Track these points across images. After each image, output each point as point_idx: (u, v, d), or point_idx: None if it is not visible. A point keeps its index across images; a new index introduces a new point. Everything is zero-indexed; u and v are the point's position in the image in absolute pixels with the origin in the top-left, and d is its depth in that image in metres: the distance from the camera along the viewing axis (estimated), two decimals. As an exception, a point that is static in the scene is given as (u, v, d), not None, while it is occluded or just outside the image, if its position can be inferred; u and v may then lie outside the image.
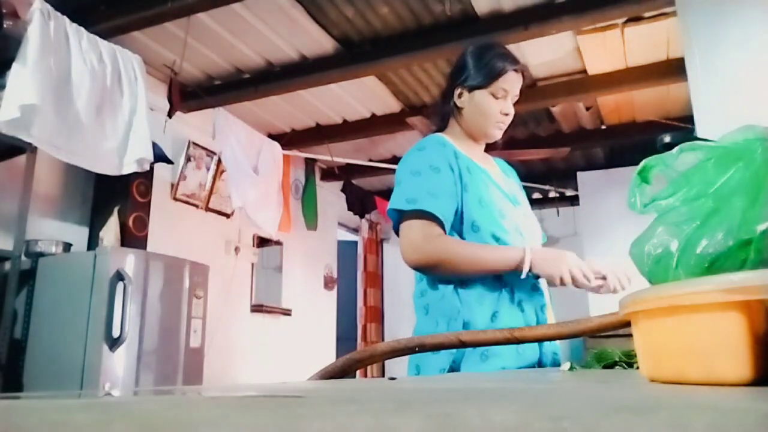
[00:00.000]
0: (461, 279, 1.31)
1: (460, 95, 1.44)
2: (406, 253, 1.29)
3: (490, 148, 1.56)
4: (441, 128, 1.50)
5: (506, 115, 1.42)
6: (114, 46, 3.03)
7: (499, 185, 1.43)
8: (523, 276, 1.24)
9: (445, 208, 1.28)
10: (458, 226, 1.34)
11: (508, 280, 1.32)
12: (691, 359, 0.39)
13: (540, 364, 1.31)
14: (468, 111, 1.43)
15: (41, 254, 3.15)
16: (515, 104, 1.45)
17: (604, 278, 1.26)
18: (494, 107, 1.40)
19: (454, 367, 1.25)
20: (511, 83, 1.40)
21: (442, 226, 1.29)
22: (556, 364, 1.36)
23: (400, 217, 1.32)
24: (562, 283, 1.23)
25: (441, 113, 1.50)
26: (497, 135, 1.45)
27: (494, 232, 1.32)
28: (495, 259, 1.26)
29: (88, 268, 2.99)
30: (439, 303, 1.32)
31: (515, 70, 1.40)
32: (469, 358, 1.25)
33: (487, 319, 1.28)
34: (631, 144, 5.01)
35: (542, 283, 1.38)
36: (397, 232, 1.36)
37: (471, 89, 1.41)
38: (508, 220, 1.36)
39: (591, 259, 1.29)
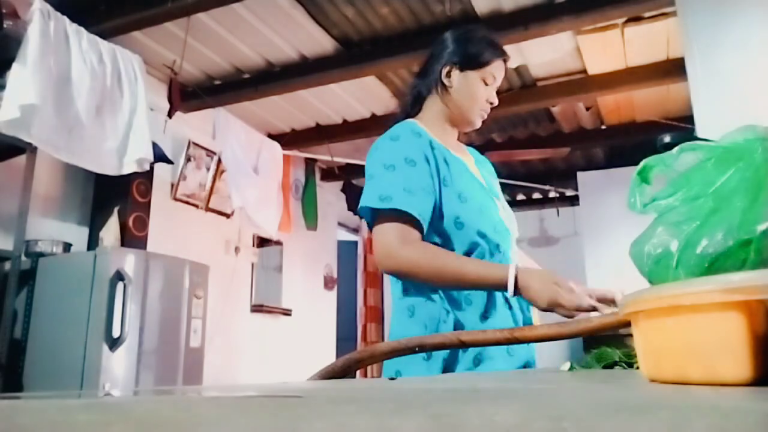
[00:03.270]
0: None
1: (448, 74, 1.35)
2: (379, 257, 1.19)
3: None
4: (411, 114, 1.40)
5: (491, 104, 1.37)
6: (114, 46, 3.03)
7: (477, 177, 1.36)
8: (509, 295, 1.16)
9: (422, 206, 1.19)
10: (438, 223, 1.24)
11: None
12: (691, 359, 0.39)
13: (527, 365, 1.28)
14: (456, 91, 1.35)
15: (41, 254, 3.15)
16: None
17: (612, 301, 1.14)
18: (482, 92, 1.34)
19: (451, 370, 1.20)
20: (500, 72, 1.36)
21: (420, 226, 1.19)
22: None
23: (375, 215, 1.22)
24: (546, 310, 1.13)
25: (414, 96, 1.41)
26: (478, 123, 1.38)
27: (479, 228, 1.25)
28: (477, 276, 1.15)
29: (88, 268, 2.99)
30: (426, 304, 1.23)
31: (504, 60, 1.36)
32: (461, 363, 1.19)
33: (477, 319, 1.22)
34: (631, 144, 5.02)
35: None
36: (371, 230, 1.25)
37: (462, 68, 1.34)
38: (488, 216, 1.29)
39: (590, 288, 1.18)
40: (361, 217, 1.30)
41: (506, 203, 1.43)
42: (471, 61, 1.33)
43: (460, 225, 1.24)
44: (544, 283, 1.13)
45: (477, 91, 1.34)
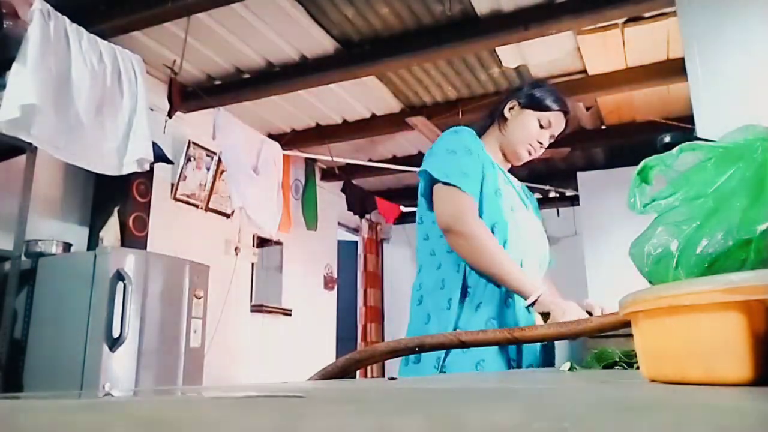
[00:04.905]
0: (472, 267, 1.37)
1: (511, 108, 1.55)
2: (444, 215, 1.37)
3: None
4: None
5: (540, 144, 1.54)
6: (114, 46, 3.03)
7: (518, 190, 1.54)
8: (525, 304, 1.33)
9: (473, 188, 1.38)
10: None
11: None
12: (691, 359, 0.39)
13: (519, 364, 1.36)
14: (512, 123, 1.54)
15: (41, 254, 3.15)
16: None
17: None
18: (534, 131, 1.52)
19: (446, 357, 1.32)
20: (557, 121, 1.54)
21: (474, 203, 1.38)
22: (550, 364, 1.42)
23: (432, 182, 1.42)
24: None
25: (481, 125, 1.62)
26: (524, 157, 1.55)
27: (497, 222, 1.40)
28: (512, 273, 1.32)
29: (88, 268, 2.99)
30: (432, 293, 1.41)
31: (564, 113, 1.54)
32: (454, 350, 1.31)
33: (472, 311, 1.36)
34: (631, 144, 5.01)
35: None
36: (426, 199, 1.46)
37: (523, 106, 1.53)
38: (517, 216, 1.44)
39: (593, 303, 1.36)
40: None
41: (541, 225, 1.58)
42: (532, 102, 1.53)
43: (480, 213, 1.40)
44: (572, 305, 1.29)
45: (530, 128, 1.52)
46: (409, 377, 1.20)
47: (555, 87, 1.60)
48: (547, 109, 1.52)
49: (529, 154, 1.55)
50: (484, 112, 1.67)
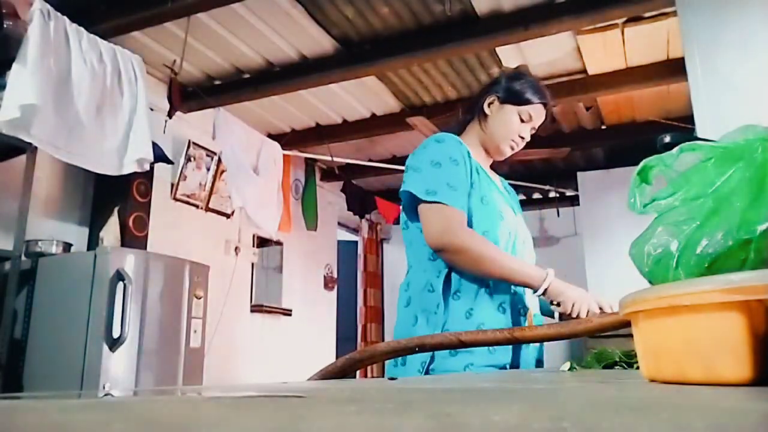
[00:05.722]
0: (473, 274, 1.35)
1: (490, 103, 1.51)
2: (433, 234, 1.32)
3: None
4: (456, 134, 1.55)
5: (522, 138, 1.51)
6: (114, 46, 3.03)
7: (502, 192, 1.53)
8: (535, 294, 1.31)
9: (461, 201, 1.35)
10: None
11: (489, 281, 1.35)
12: (691, 359, 0.39)
13: (514, 366, 1.34)
14: (492, 119, 1.51)
15: (41, 254, 3.15)
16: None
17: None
18: (516, 126, 1.49)
19: (432, 360, 1.30)
20: (537, 114, 1.50)
21: (463, 216, 1.35)
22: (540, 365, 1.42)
23: (418, 201, 1.36)
24: (570, 315, 1.29)
25: (461, 120, 1.59)
26: (506, 152, 1.53)
27: (487, 230, 1.37)
28: (516, 269, 1.31)
29: (88, 268, 2.99)
30: (420, 295, 1.38)
31: (544, 105, 1.51)
32: (440, 352, 1.29)
33: (462, 316, 1.33)
34: (631, 144, 5.01)
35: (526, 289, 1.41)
36: (408, 213, 1.43)
37: (503, 101, 1.50)
38: (506, 222, 1.42)
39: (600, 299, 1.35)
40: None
41: (525, 226, 1.57)
42: (512, 97, 1.49)
43: (470, 224, 1.38)
44: (575, 291, 1.30)
45: (510, 124, 1.49)
46: (410, 377, 1.20)
47: (532, 77, 1.55)
48: (527, 102, 1.48)
49: (512, 149, 1.53)
50: (462, 107, 1.67)
